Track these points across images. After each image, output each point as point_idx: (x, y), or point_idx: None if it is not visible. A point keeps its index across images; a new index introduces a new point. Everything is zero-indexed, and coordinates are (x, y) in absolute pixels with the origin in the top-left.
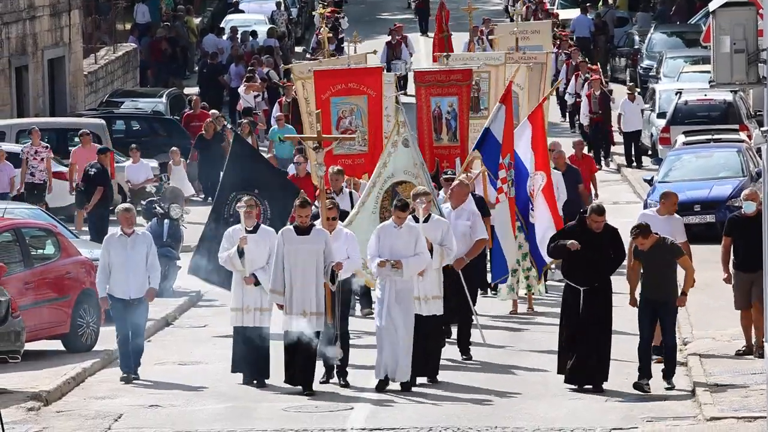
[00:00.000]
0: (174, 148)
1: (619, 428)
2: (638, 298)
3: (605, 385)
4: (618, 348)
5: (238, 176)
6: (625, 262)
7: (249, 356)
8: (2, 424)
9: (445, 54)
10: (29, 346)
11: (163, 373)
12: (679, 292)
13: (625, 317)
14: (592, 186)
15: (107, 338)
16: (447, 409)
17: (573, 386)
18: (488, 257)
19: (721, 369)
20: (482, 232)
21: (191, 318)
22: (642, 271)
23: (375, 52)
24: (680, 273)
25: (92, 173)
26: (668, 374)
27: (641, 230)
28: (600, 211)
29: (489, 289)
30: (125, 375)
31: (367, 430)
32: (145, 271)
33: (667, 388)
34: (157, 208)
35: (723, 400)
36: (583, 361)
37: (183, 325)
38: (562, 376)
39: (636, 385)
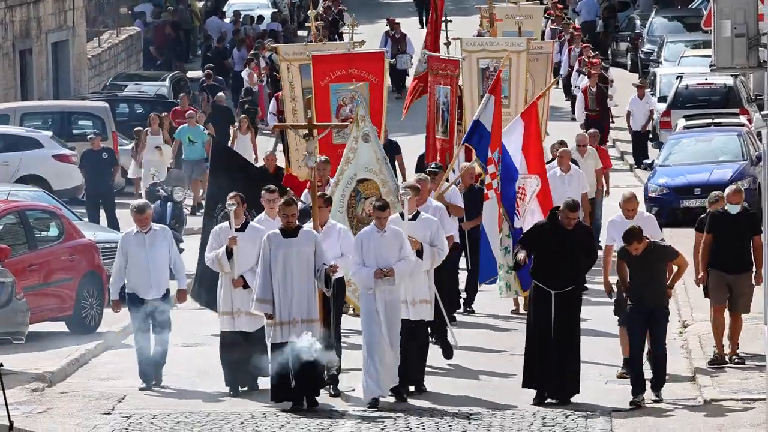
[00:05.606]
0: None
1: (619, 410)
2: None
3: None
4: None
5: (220, 187)
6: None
7: (242, 363)
8: (6, 404)
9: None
10: (33, 328)
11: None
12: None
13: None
14: (603, 181)
15: (111, 320)
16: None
17: (539, 401)
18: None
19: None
20: (450, 228)
21: None
22: (630, 278)
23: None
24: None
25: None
26: (657, 385)
27: (634, 235)
28: (573, 207)
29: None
30: (144, 385)
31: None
32: (167, 268)
33: (655, 401)
34: (161, 190)
35: (722, 383)
36: (560, 372)
37: (186, 307)
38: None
39: (632, 403)
